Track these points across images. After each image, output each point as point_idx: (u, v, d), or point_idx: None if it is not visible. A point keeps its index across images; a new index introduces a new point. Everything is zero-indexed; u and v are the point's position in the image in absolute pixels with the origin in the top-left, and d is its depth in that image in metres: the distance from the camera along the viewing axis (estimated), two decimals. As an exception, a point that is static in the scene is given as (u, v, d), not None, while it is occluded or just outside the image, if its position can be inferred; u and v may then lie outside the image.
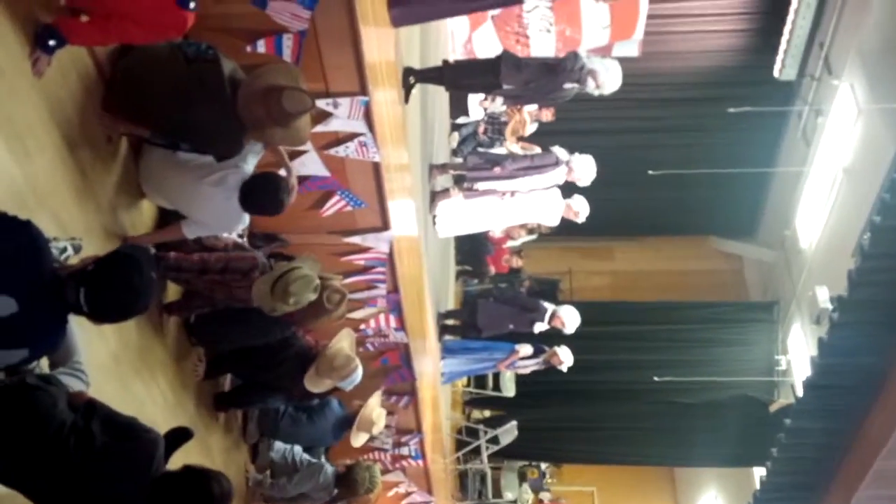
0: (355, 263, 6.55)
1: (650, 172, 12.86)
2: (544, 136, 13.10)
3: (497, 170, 9.93)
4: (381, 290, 6.82)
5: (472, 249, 13.94)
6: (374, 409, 7.36)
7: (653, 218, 16.88)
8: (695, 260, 17.45)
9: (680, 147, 15.43)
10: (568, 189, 10.33)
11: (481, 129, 12.89)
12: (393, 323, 7.28)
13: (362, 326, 7.24)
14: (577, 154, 10.00)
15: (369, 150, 5.67)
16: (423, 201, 9.41)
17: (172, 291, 5.58)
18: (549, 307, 10.76)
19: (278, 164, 5.26)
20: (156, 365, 5.42)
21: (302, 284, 5.14)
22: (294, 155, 5.58)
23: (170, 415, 5.57)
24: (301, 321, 5.66)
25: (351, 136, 5.60)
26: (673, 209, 16.56)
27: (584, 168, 9.95)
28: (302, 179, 5.69)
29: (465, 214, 10.22)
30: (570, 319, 10.66)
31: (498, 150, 12.10)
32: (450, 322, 11.48)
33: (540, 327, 10.79)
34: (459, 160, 11.18)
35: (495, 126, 13.15)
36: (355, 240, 6.40)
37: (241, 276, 5.19)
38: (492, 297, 11.59)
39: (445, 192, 10.16)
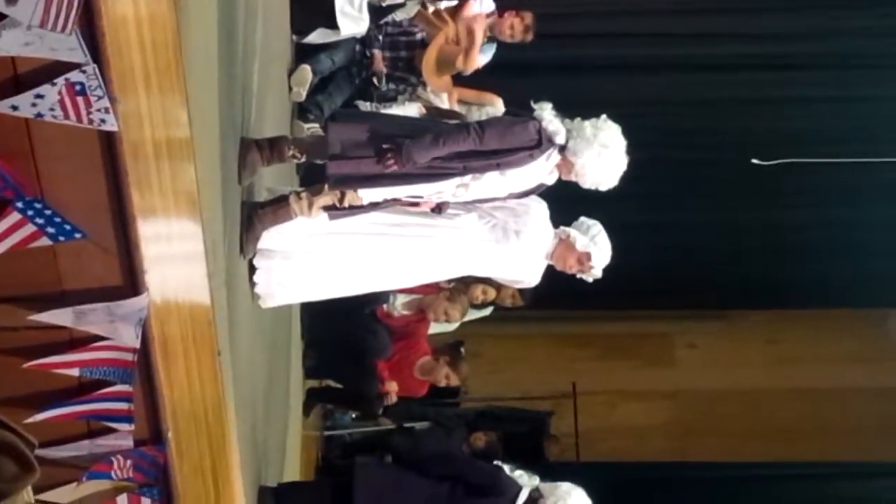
0: (61, 374, 3.16)
1: (755, 162, 7.52)
2: (508, 77, 6.94)
3: (419, 153, 4.55)
4: (121, 437, 3.32)
5: (342, 344, 6.90)
6: None
7: (766, 269, 8.96)
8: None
9: (818, 112, 8.50)
10: (564, 200, 5.05)
11: (379, 57, 6.45)
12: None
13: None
14: (586, 122, 4.70)
15: (93, 105, 2.87)
16: (227, 227, 4.64)
17: None
18: (526, 483, 4.93)
19: None
20: None
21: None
22: None
23: None
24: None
25: (50, 72, 2.75)
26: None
27: (596, 157, 4.67)
28: None
29: (326, 259, 5.08)
30: None
31: (405, 107, 6.50)
32: None
33: None
34: (309, 128, 6.05)
35: (402, 46, 6.54)
36: (61, 317, 3.06)
37: None
38: (391, 458, 6.58)
39: (281, 205, 4.94)
